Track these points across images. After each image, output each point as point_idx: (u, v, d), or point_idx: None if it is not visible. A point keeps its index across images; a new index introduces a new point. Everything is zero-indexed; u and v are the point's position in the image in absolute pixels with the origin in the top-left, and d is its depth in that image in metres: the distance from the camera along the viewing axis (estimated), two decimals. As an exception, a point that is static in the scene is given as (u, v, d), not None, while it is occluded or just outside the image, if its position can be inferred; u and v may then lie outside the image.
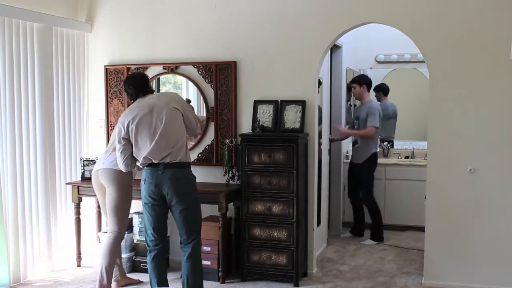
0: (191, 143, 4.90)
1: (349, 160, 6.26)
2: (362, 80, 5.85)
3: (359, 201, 6.01)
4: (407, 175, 6.18)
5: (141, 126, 3.74)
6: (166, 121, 3.73)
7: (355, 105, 6.83)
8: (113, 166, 4.11)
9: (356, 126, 5.88)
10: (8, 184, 4.43)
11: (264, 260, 4.50)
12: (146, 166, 3.80)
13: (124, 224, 4.28)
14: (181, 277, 3.94)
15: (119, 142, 3.81)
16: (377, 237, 5.82)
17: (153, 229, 3.84)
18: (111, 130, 5.17)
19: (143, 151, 3.75)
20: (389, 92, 6.59)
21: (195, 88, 4.98)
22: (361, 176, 5.87)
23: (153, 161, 3.74)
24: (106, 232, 4.71)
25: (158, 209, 3.83)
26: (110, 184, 4.17)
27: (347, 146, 6.67)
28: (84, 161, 4.96)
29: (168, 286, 3.87)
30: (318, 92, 4.96)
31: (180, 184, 3.76)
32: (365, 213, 6.05)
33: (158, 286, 3.80)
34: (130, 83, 3.92)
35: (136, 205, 4.94)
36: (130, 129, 3.76)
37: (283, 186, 4.40)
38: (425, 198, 4.46)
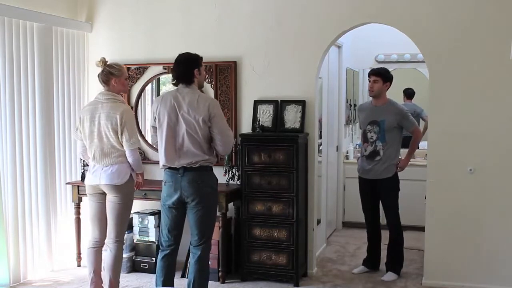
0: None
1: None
2: (387, 76, 4.70)
3: (379, 229, 4.90)
4: (408, 175, 6.15)
5: (162, 123, 3.68)
6: (187, 125, 3.63)
7: (355, 105, 6.81)
8: (110, 181, 3.90)
9: (375, 132, 4.66)
10: (8, 184, 4.43)
11: (264, 260, 4.49)
12: (166, 168, 3.76)
13: (124, 232, 4.12)
14: (182, 277, 3.93)
15: (152, 126, 3.82)
16: (400, 269, 4.77)
17: (168, 231, 3.81)
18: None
19: (161, 155, 3.72)
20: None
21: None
22: (387, 197, 4.72)
23: (172, 166, 3.71)
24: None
25: (175, 212, 3.78)
26: (114, 194, 3.95)
27: (347, 145, 6.65)
28: (84, 161, 4.95)
29: (173, 286, 3.84)
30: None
31: (199, 187, 3.69)
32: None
33: (163, 286, 3.77)
34: (175, 67, 3.78)
35: (136, 205, 4.93)
36: (156, 117, 3.73)
37: (283, 186, 4.39)
38: (425, 198, 4.47)
